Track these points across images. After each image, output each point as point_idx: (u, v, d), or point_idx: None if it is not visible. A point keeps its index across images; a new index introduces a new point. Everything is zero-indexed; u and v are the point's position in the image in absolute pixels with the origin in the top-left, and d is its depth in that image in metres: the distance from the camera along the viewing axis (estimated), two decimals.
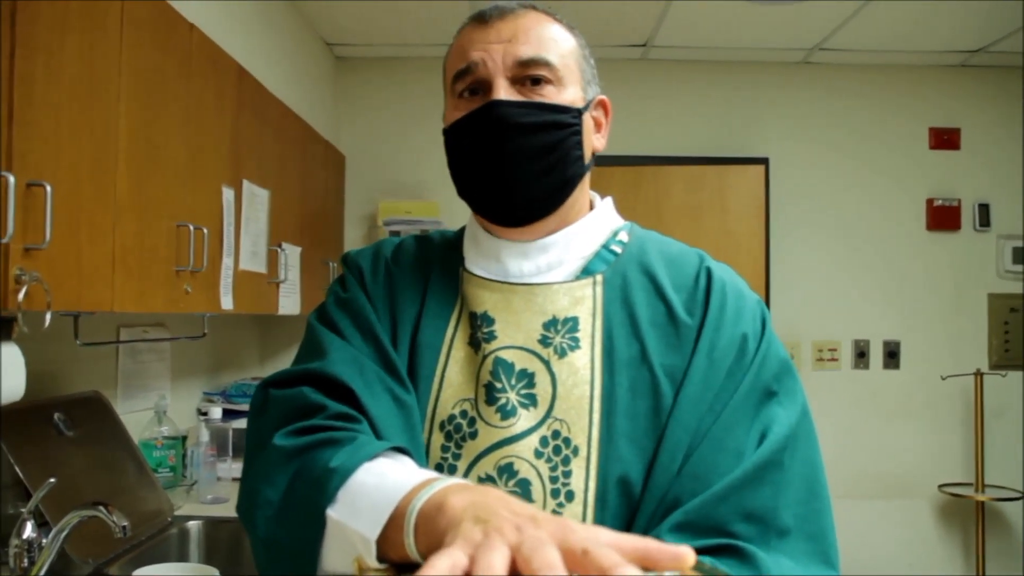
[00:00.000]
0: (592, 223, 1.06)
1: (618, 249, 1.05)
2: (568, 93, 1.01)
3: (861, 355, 3.95)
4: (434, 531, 0.68)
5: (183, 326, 2.82)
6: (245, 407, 3.04)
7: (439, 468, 0.94)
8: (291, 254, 2.87)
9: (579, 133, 1.02)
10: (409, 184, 3.94)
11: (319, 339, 1.02)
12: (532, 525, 0.62)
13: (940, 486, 3.81)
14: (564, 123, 1.00)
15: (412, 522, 0.71)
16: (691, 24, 3.51)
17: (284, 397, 0.95)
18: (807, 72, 4.00)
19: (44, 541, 1.68)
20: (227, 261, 2.27)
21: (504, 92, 0.97)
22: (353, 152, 3.92)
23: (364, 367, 0.96)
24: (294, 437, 0.89)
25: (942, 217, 3.95)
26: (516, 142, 0.97)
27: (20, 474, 1.80)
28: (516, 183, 0.99)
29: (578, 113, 1.01)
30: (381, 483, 0.78)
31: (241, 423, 2.95)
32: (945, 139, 3.97)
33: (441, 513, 0.68)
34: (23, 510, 1.73)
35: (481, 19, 1.02)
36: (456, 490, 0.71)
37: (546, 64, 0.99)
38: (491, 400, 0.95)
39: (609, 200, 1.12)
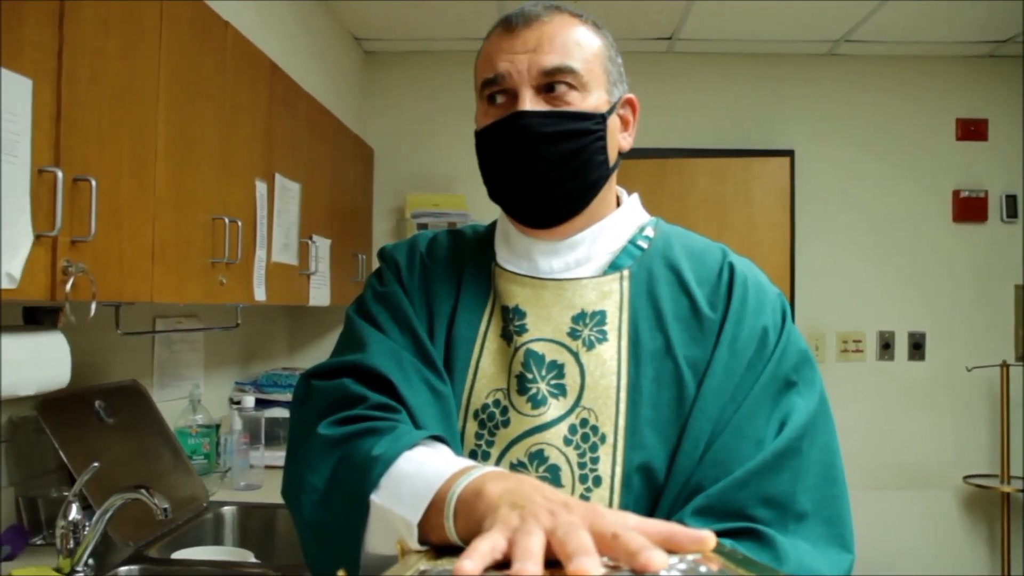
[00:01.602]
0: (619, 220, 1.10)
1: (644, 244, 1.08)
2: (592, 98, 1.04)
3: (886, 346, 3.94)
4: (473, 515, 0.72)
5: (214, 317, 2.88)
6: (276, 396, 3.11)
7: (473, 455, 0.98)
8: (321, 246, 2.93)
9: (603, 138, 1.05)
10: (437, 177, 3.98)
11: (359, 332, 1.06)
12: (565, 511, 0.66)
13: (965, 477, 3.81)
14: (587, 130, 1.03)
15: (452, 507, 0.75)
16: (716, 17, 3.52)
17: (326, 388, 1.00)
18: (833, 64, 4.00)
19: (88, 523, 1.75)
20: (260, 253, 2.33)
21: (529, 102, 1.01)
22: (381, 146, 3.97)
23: (402, 359, 1.00)
24: (337, 427, 0.94)
25: (969, 208, 3.93)
26: (540, 151, 1.01)
27: (64, 459, 1.86)
28: (541, 189, 1.03)
29: (601, 119, 1.04)
30: (421, 471, 0.83)
31: (273, 412, 3.01)
32: (972, 130, 3.95)
33: (479, 499, 0.73)
34: (67, 493, 1.79)
35: (508, 26, 1.04)
36: (493, 477, 0.76)
37: (570, 71, 1.01)
38: (523, 390, 1.00)
39: (635, 196, 1.15)
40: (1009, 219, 3.94)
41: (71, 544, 1.73)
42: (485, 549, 0.62)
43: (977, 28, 3.59)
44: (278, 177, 2.47)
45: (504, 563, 0.62)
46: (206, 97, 1.96)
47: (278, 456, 2.84)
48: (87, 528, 1.74)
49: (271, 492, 2.54)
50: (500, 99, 1.04)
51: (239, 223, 2.10)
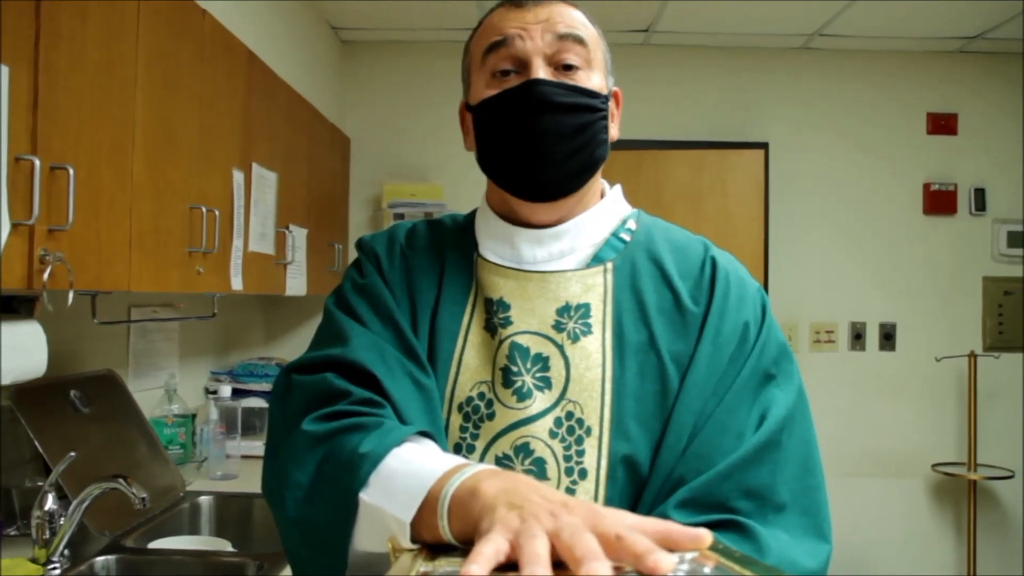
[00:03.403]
0: (603, 211, 1.10)
1: (627, 237, 1.09)
2: (596, 79, 1.05)
3: (858, 337, 4.00)
4: (468, 515, 0.73)
5: (191, 306, 2.87)
6: (252, 386, 3.10)
7: (457, 448, 0.98)
8: (298, 236, 2.92)
9: (607, 118, 1.06)
10: (414, 167, 3.97)
11: (339, 325, 1.05)
12: (565, 511, 0.66)
13: (934, 465, 3.88)
14: (595, 107, 1.04)
15: (446, 506, 0.75)
16: (693, 9, 3.54)
17: (309, 383, 0.99)
18: (807, 57, 4.04)
19: (64, 513, 1.74)
20: (237, 242, 2.32)
21: (542, 72, 1.01)
22: (358, 135, 3.96)
23: (385, 353, 1.00)
24: (322, 422, 0.93)
25: (939, 201, 3.99)
26: (553, 120, 1.01)
27: (40, 448, 1.85)
28: (549, 160, 1.02)
29: (605, 99, 1.06)
30: (412, 468, 0.83)
31: (249, 402, 3.00)
32: (942, 124, 4.01)
33: (475, 498, 0.73)
34: (42, 483, 1.78)
35: (515, 3, 1.05)
36: (487, 476, 0.76)
37: (581, 41, 1.03)
38: (508, 383, 0.99)
39: (618, 188, 1.15)
40: (977, 212, 4.01)
41: (47, 534, 1.72)
42: (489, 553, 0.62)
43: (948, 24, 3.64)
44: (255, 166, 2.46)
45: (507, 565, 0.63)
46: (184, 85, 1.95)
47: (255, 446, 2.84)
48: (63, 518, 1.73)
49: (248, 482, 2.54)
50: (507, 67, 1.03)
51: (216, 212, 2.09)
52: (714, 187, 3.96)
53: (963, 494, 3.91)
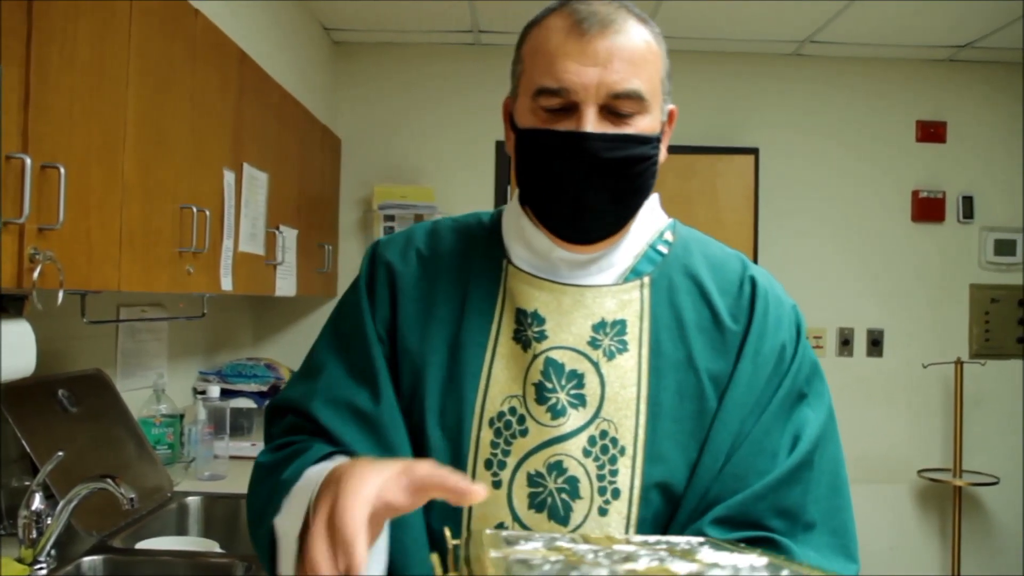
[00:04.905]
0: (640, 224, 1.07)
1: (664, 250, 1.07)
2: (651, 120, 0.99)
3: (845, 343, 4.02)
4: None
5: (179, 306, 2.86)
6: (241, 386, 3.10)
7: (488, 463, 0.97)
8: (288, 236, 2.92)
9: (656, 162, 1.01)
10: (404, 169, 3.97)
11: (318, 359, 1.08)
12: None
13: (920, 471, 3.90)
14: (646, 156, 0.99)
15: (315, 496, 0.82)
16: (684, 16, 3.56)
17: (278, 425, 1.07)
18: (798, 64, 4.06)
19: (51, 513, 1.73)
20: (227, 243, 2.32)
21: (592, 123, 0.95)
22: (349, 136, 3.95)
23: (337, 398, 1.02)
24: (272, 453, 1.02)
25: (927, 208, 4.02)
26: (598, 174, 0.96)
27: (27, 448, 1.84)
28: (589, 210, 0.99)
29: (657, 141, 1.01)
30: (306, 484, 0.88)
31: (237, 402, 3.00)
32: (931, 132, 4.04)
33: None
34: (28, 483, 1.77)
35: (578, 28, 0.96)
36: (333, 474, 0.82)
37: (638, 97, 0.96)
38: (541, 399, 0.98)
39: (656, 197, 1.10)
40: (965, 220, 4.03)
41: (34, 534, 1.71)
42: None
43: (938, 32, 3.66)
44: (246, 167, 2.46)
45: None
46: (175, 85, 1.94)
47: (243, 446, 2.83)
48: (50, 518, 1.73)
49: (236, 482, 2.53)
50: (557, 107, 0.97)
51: (207, 212, 2.09)
52: (704, 192, 3.97)
53: (948, 500, 3.93)
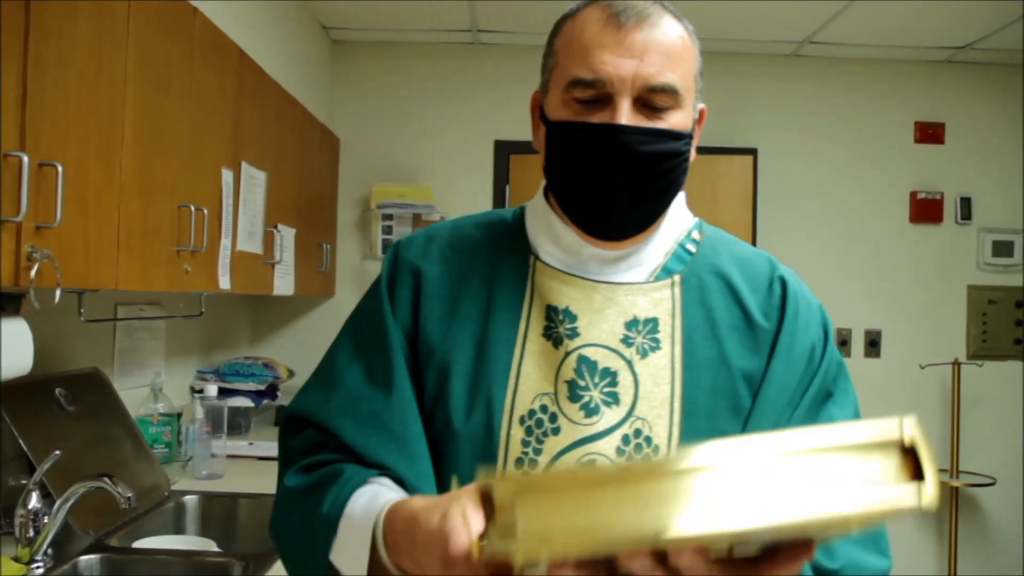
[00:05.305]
0: (669, 221, 1.06)
1: (692, 248, 1.07)
2: (683, 116, 0.99)
3: (843, 343, 4.02)
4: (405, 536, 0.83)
5: (177, 305, 2.86)
6: (239, 385, 3.09)
7: (519, 461, 0.96)
8: (286, 235, 2.91)
9: (688, 159, 1.01)
10: (403, 168, 3.97)
11: (336, 364, 1.06)
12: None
13: None
14: (678, 151, 0.98)
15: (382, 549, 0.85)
16: (683, 14, 3.55)
17: (296, 438, 1.05)
18: (797, 65, 4.06)
19: (48, 512, 1.73)
20: (225, 242, 2.31)
21: (626, 115, 0.94)
22: (348, 135, 3.95)
23: (359, 407, 1.00)
24: (301, 474, 1.00)
25: (925, 209, 4.02)
26: (632, 168, 0.96)
27: (24, 446, 1.84)
28: (620, 206, 0.98)
29: (689, 138, 1.00)
30: (352, 528, 0.91)
31: (235, 401, 3.00)
32: (930, 133, 4.04)
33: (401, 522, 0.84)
34: (25, 482, 1.77)
35: (615, 20, 0.95)
36: (393, 511, 0.87)
37: (673, 92, 0.96)
38: (574, 397, 0.97)
39: (682, 196, 1.09)
40: (963, 221, 4.03)
41: (30, 533, 1.71)
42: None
43: (937, 34, 3.67)
44: (244, 165, 2.45)
45: None
46: (174, 84, 1.94)
47: (240, 445, 2.83)
48: (47, 517, 1.72)
49: (233, 481, 2.53)
50: (591, 98, 0.96)
51: (205, 211, 2.08)
52: (703, 192, 3.97)
53: (945, 500, 3.93)
